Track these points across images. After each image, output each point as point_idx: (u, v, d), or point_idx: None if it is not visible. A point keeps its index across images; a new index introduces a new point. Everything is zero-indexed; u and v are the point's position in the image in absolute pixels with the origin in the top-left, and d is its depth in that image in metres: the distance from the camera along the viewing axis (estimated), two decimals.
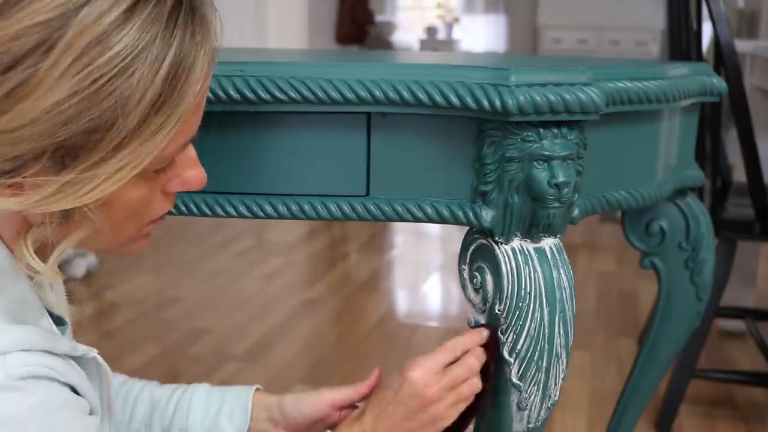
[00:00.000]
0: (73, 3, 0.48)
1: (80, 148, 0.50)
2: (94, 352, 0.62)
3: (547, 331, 0.75)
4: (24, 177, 0.50)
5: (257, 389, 0.85)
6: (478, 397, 0.78)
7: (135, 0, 0.50)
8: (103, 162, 0.51)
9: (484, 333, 0.77)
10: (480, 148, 0.74)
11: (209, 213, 0.80)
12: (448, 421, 0.76)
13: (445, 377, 0.75)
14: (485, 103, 0.70)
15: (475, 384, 0.76)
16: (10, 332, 0.54)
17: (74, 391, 0.58)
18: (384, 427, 0.74)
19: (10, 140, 0.49)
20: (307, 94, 0.73)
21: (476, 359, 0.76)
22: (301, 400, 0.82)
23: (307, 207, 0.79)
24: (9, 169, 0.50)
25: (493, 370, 0.78)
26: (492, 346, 0.77)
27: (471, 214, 0.76)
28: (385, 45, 6.23)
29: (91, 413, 0.61)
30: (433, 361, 0.76)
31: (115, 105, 0.49)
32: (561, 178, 0.72)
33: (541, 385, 0.77)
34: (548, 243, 0.77)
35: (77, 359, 0.60)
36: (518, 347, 0.75)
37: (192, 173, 0.60)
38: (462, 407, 0.77)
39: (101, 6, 0.49)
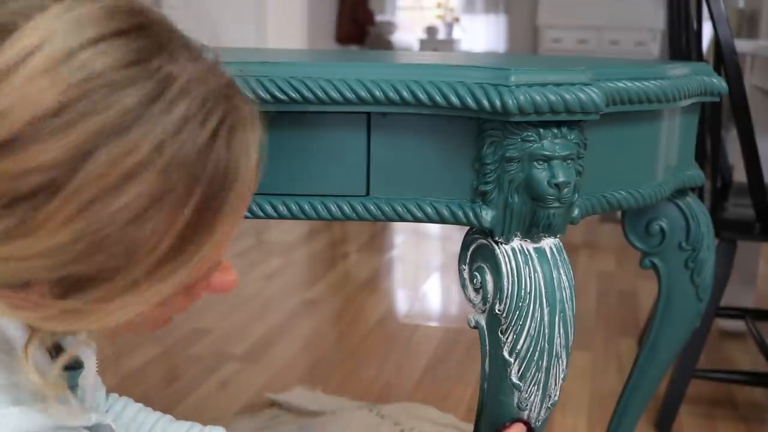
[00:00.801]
0: (85, 146, 0.43)
1: (87, 282, 0.46)
2: (108, 419, 0.59)
3: (547, 331, 0.75)
4: (27, 295, 0.47)
5: None
6: None
7: (160, 142, 0.44)
8: (112, 298, 0.47)
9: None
10: (480, 148, 0.74)
11: None
12: None
13: None
14: (485, 103, 0.70)
15: None
16: (11, 416, 0.50)
17: None
18: None
19: (9, 268, 0.45)
20: (307, 94, 0.73)
21: None
22: None
23: (307, 207, 0.79)
24: (14, 285, 0.47)
25: None
26: None
27: (471, 214, 0.76)
28: (385, 45, 6.22)
29: None
30: None
31: (124, 253, 0.45)
32: (561, 178, 0.72)
33: (541, 385, 0.77)
34: (548, 243, 0.77)
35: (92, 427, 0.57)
36: (518, 347, 0.75)
37: (220, 280, 0.57)
38: None
39: (116, 151, 0.44)
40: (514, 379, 0.76)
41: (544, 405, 0.78)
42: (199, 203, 0.46)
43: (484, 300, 0.78)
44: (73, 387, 0.60)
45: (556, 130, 0.73)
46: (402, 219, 0.78)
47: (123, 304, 0.47)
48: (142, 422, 0.83)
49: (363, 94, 0.73)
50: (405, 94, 0.73)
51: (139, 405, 0.85)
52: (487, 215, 0.75)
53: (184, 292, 0.53)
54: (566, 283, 0.76)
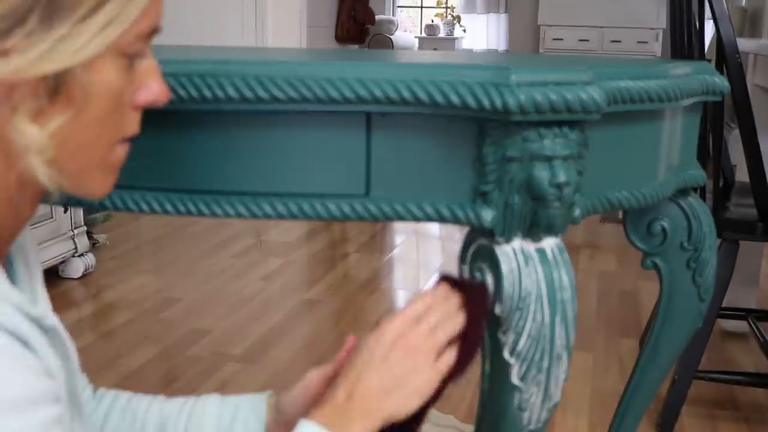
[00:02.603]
0: None
1: (66, 2, 0.52)
2: (54, 320, 0.60)
3: (548, 331, 0.74)
4: (16, 36, 0.51)
5: (269, 395, 0.83)
6: (463, 360, 0.74)
7: None
8: (91, 15, 0.52)
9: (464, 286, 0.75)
10: (480, 147, 0.74)
11: (209, 213, 0.80)
12: (429, 376, 0.72)
13: (422, 324, 0.72)
14: (486, 102, 0.70)
15: (451, 329, 0.73)
16: None
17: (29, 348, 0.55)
18: (360, 393, 0.70)
19: None
20: (307, 93, 0.73)
21: (455, 308, 0.74)
22: (292, 392, 0.81)
23: (307, 207, 0.78)
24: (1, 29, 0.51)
25: (478, 330, 0.74)
26: (478, 304, 0.75)
27: (471, 214, 0.76)
28: (386, 44, 6.22)
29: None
30: (408, 312, 0.73)
31: None
32: (562, 178, 0.72)
33: (542, 385, 0.76)
34: (549, 243, 0.76)
35: (35, 322, 0.57)
36: (519, 348, 0.75)
37: (156, 83, 0.60)
38: (442, 361, 0.72)
39: None
40: (515, 380, 0.76)
41: (544, 406, 0.77)
42: None
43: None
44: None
45: (557, 130, 0.72)
46: (402, 219, 0.78)
47: (101, 22, 0.53)
48: (136, 408, 0.83)
49: (363, 93, 0.73)
50: (405, 93, 0.72)
51: (130, 393, 0.85)
52: (488, 215, 0.75)
53: (130, 101, 0.58)
54: (567, 284, 0.75)
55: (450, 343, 0.73)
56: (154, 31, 0.59)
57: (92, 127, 0.56)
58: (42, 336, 0.57)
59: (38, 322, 0.57)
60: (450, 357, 0.73)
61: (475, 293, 0.76)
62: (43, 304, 0.66)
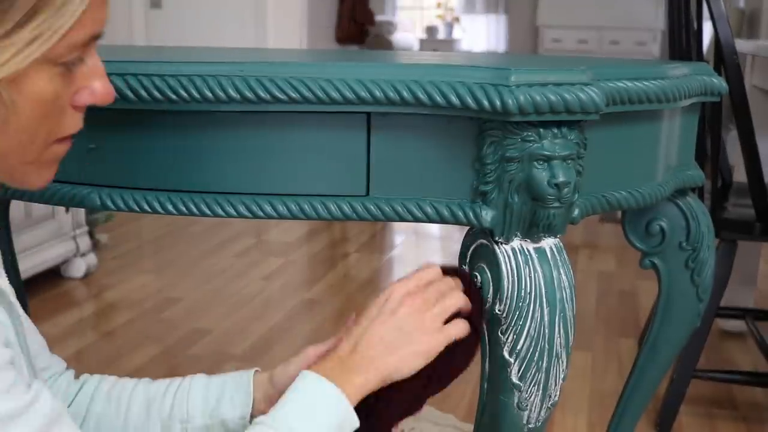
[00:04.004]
0: None
1: None
2: (2, 283, 0.60)
3: (547, 331, 0.75)
4: None
5: (256, 371, 0.83)
6: (469, 344, 0.75)
7: None
8: (16, 30, 0.52)
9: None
10: (480, 148, 0.74)
11: (209, 213, 0.80)
12: (434, 338, 0.72)
13: (430, 288, 0.74)
14: (485, 103, 0.70)
15: (458, 300, 0.74)
16: None
17: None
18: (364, 346, 0.71)
19: None
20: (307, 94, 0.73)
21: (459, 287, 0.75)
22: (287, 365, 0.81)
23: (307, 207, 0.78)
24: None
25: (478, 317, 0.76)
26: (474, 303, 0.76)
27: (471, 214, 0.76)
28: (385, 45, 6.22)
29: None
30: (417, 276, 0.75)
31: None
32: (561, 178, 0.72)
33: (542, 385, 0.76)
34: (548, 243, 0.77)
35: None
36: (518, 347, 0.75)
37: (99, 83, 0.59)
38: (449, 327, 0.73)
39: None
40: (514, 379, 0.76)
41: (544, 405, 0.78)
42: None
43: (484, 300, 0.77)
44: None
45: (556, 130, 0.73)
46: (402, 219, 0.78)
47: (28, 37, 0.52)
48: (121, 389, 0.82)
49: (363, 94, 0.73)
50: (405, 94, 0.73)
51: (115, 377, 0.85)
52: (487, 215, 0.75)
53: (71, 100, 0.57)
54: (566, 283, 0.76)
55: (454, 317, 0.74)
56: (94, 38, 0.58)
57: (22, 132, 0.56)
58: None
59: None
60: (458, 327, 0.74)
61: (471, 293, 0.77)
62: None
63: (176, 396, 0.81)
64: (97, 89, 0.59)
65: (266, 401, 0.80)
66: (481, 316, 0.77)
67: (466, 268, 0.81)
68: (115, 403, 0.82)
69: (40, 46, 0.53)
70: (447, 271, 0.79)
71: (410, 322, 0.72)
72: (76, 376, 0.85)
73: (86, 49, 0.57)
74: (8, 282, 0.64)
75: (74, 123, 0.60)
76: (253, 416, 0.80)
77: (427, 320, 0.73)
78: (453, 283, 0.76)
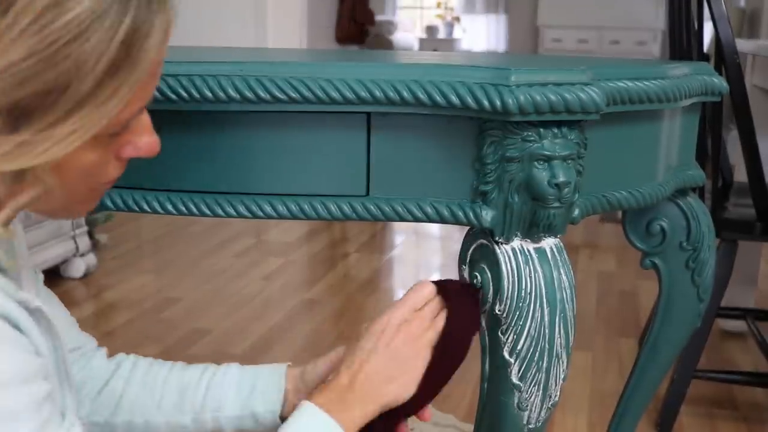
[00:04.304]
0: None
1: (35, 108, 0.51)
2: (38, 302, 0.61)
3: (547, 331, 0.75)
4: None
5: (289, 366, 0.84)
6: (456, 350, 0.77)
7: None
8: (58, 124, 0.51)
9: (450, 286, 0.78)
10: (480, 147, 0.74)
11: (209, 213, 0.80)
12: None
13: (425, 310, 0.76)
14: (485, 102, 0.70)
15: (441, 323, 0.76)
16: None
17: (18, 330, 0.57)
18: (363, 378, 0.72)
19: None
20: (307, 94, 0.73)
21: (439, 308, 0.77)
22: (318, 365, 0.82)
23: (307, 207, 0.78)
24: None
25: (466, 335, 0.77)
26: (467, 308, 0.77)
27: (471, 214, 0.76)
28: (385, 44, 6.22)
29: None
30: (411, 301, 0.76)
31: (71, 68, 0.50)
32: (561, 178, 0.72)
33: (542, 385, 0.76)
34: (549, 243, 0.76)
35: (22, 305, 0.59)
36: (518, 347, 0.75)
37: (145, 140, 0.60)
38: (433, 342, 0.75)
39: None
40: (515, 380, 0.76)
41: (544, 405, 0.78)
42: (133, 20, 0.52)
43: (484, 300, 0.77)
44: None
45: (556, 130, 0.73)
46: (402, 219, 0.78)
47: (68, 130, 0.51)
48: (156, 374, 0.84)
49: (363, 94, 0.73)
50: (405, 94, 0.73)
51: (150, 358, 0.86)
52: (488, 215, 0.75)
53: (113, 147, 0.57)
54: (566, 283, 0.75)
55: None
56: (141, 111, 0.58)
57: (66, 192, 0.57)
58: (29, 317, 0.59)
59: (24, 305, 0.58)
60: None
61: (465, 297, 0.78)
62: (27, 289, 0.67)
63: (210, 386, 0.83)
64: (142, 145, 0.60)
65: (296, 397, 0.81)
66: (478, 315, 0.77)
67: (465, 269, 0.81)
68: (149, 388, 0.83)
69: (81, 136, 0.53)
70: (440, 284, 0.79)
71: (406, 351, 0.74)
72: (109, 355, 0.86)
73: (133, 119, 0.58)
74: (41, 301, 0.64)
75: (117, 171, 0.60)
76: (283, 413, 0.81)
77: (422, 346, 0.75)
78: (437, 305, 0.77)
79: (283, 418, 0.80)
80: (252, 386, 0.82)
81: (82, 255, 2.56)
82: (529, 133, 0.72)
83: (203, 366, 0.85)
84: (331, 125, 0.76)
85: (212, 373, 0.84)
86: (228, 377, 0.83)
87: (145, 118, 0.60)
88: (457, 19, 6.68)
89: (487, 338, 0.78)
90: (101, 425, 0.82)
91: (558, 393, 0.78)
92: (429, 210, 0.77)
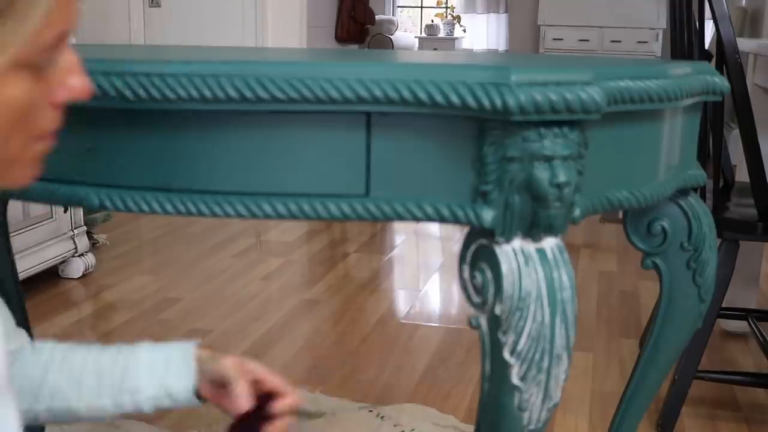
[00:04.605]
0: None
1: None
2: None
3: (548, 331, 0.74)
4: None
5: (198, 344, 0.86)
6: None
7: None
8: None
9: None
10: (480, 147, 0.74)
11: (209, 213, 0.80)
12: None
13: None
14: (486, 102, 0.70)
15: None
16: None
17: None
18: None
19: None
20: (307, 94, 0.73)
21: None
22: (214, 367, 0.84)
23: (307, 207, 0.78)
24: None
25: None
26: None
27: (471, 214, 0.76)
28: (386, 44, 6.22)
29: None
30: None
31: None
32: (562, 178, 0.72)
33: (543, 386, 0.76)
34: (549, 243, 0.76)
35: None
36: (519, 348, 0.75)
37: (76, 79, 0.57)
38: None
39: None
40: (515, 380, 0.76)
41: (545, 406, 0.77)
42: None
43: (485, 300, 0.77)
44: None
45: (557, 130, 0.72)
46: (402, 219, 0.77)
47: None
48: (72, 361, 0.85)
49: (363, 93, 0.73)
50: (405, 93, 0.72)
51: (66, 345, 0.87)
52: (488, 215, 0.75)
53: (43, 87, 0.54)
54: (567, 284, 0.75)
55: None
56: (64, 36, 0.55)
57: None
58: None
59: None
60: None
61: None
62: None
63: (125, 369, 0.84)
64: (74, 85, 0.57)
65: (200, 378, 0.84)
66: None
67: (465, 269, 0.80)
68: (67, 374, 0.84)
69: (3, 52, 0.50)
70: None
71: None
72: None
73: (57, 48, 0.55)
74: None
75: (52, 121, 0.58)
76: (199, 390, 0.83)
77: None
78: None
79: (199, 396, 0.83)
80: (165, 365, 0.84)
81: (81, 255, 2.55)
82: (530, 133, 0.72)
83: (117, 347, 0.87)
84: (331, 125, 0.76)
85: (126, 355, 0.86)
86: (141, 359, 0.85)
87: (73, 58, 0.57)
88: (458, 18, 6.68)
89: (487, 339, 0.78)
90: (25, 412, 0.83)
91: (559, 394, 0.77)
92: (429, 210, 0.77)
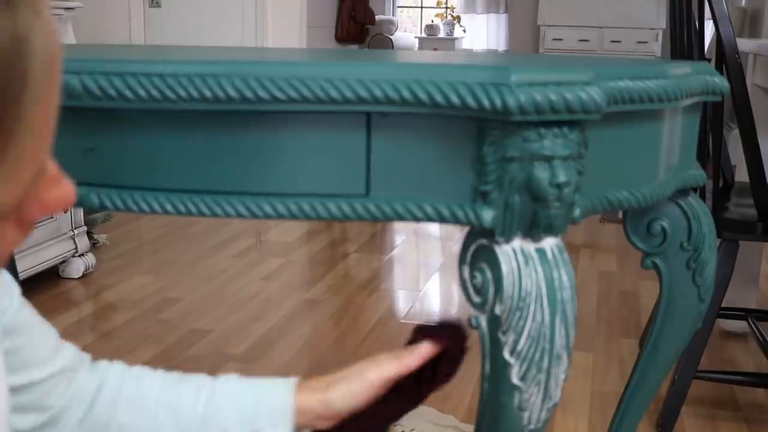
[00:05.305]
0: None
1: None
2: None
3: (548, 331, 0.74)
4: None
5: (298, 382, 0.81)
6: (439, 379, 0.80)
7: None
8: None
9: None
10: (480, 147, 0.74)
11: (209, 213, 0.80)
12: None
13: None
14: (486, 102, 0.70)
15: None
16: None
17: None
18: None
19: None
20: (307, 93, 0.73)
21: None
22: (349, 392, 0.79)
23: (307, 207, 0.78)
24: None
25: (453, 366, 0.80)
26: (455, 342, 0.80)
27: (471, 214, 0.76)
28: (386, 44, 6.22)
29: None
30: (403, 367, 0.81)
31: None
32: (562, 178, 0.72)
33: (542, 386, 0.76)
34: (549, 243, 0.76)
35: None
36: (519, 348, 0.75)
37: (54, 194, 0.43)
38: None
39: None
40: (515, 380, 0.76)
41: (544, 406, 0.77)
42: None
43: (485, 300, 0.77)
44: None
45: (557, 130, 0.72)
46: (402, 219, 0.77)
47: None
48: (146, 393, 0.77)
49: (363, 93, 0.73)
50: (405, 93, 0.72)
51: (138, 369, 0.79)
52: (488, 215, 0.75)
53: (15, 216, 0.41)
54: (567, 284, 0.75)
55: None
56: (41, 171, 0.41)
57: None
58: None
59: None
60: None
61: (450, 332, 0.81)
62: None
63: (208, 408, 0.77)
64: (51, 201, 0.43)
65: (317, 419, 0.80)
66: (462, 350, 0.80)
67: (465, 269, 0.80)
68: (141, 411, 0.76)
69: None
70: (429, 330, 0.82)
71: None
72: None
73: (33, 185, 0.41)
74: None
75: (20, 236, 0.43)
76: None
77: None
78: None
79: None
80: (255, 405, 0.78)
81: (81, 255, 2.55)
82: (530, 133, 0.72)
83: (197, 383, 0.79)
84: (331, 125, 0.76)
85: (209, 392, 0.78)
86: (227, 396, 0.78)
87: (51, 173, 0.43)
88: (458, 18, 6.68)
89: (487, 339, 0.78)
90: None
91: (558, 393, 0.78)
92: (429, 210, 0.77)
